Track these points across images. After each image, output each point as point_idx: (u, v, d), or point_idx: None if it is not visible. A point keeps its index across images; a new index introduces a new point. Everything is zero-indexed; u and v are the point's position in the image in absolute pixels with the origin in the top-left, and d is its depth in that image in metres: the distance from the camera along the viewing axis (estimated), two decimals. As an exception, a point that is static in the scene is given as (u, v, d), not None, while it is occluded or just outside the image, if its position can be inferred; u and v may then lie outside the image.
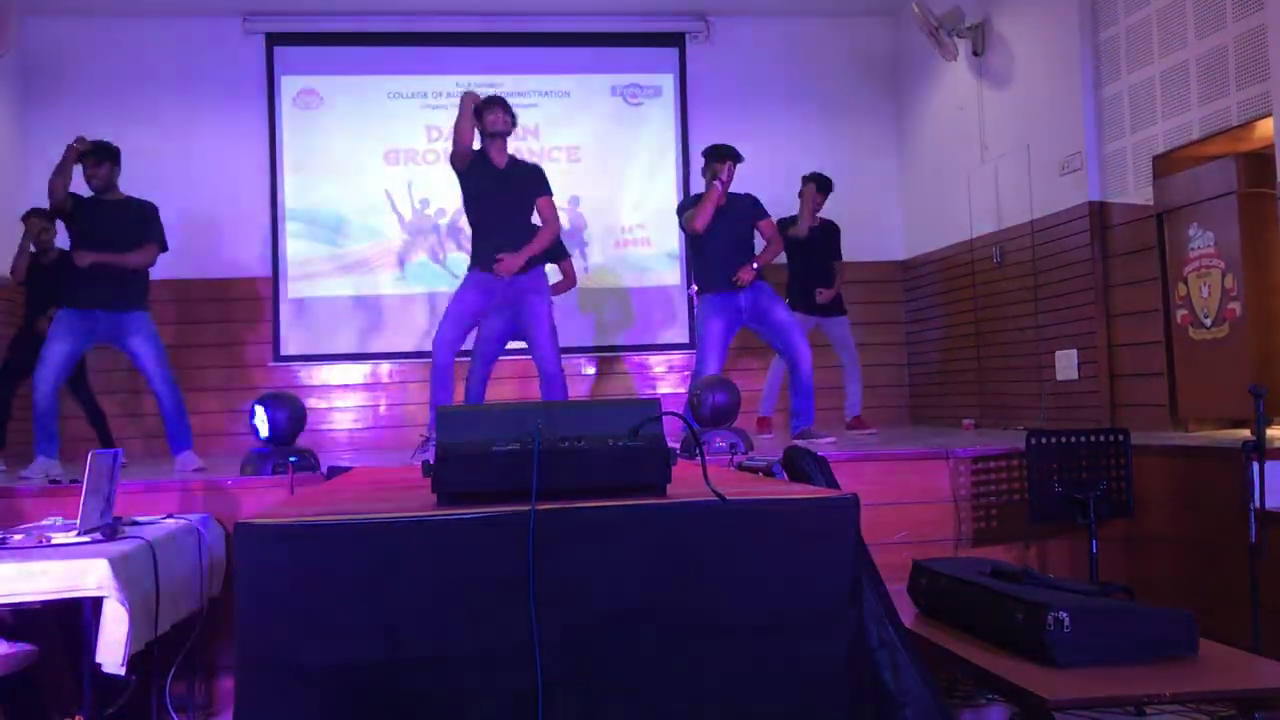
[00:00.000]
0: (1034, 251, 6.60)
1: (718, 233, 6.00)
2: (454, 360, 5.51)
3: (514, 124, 5.56)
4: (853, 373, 7.22)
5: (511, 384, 7.53)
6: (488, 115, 5.45)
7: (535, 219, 5.63)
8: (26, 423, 6.12)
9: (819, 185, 6.90)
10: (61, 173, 5.32)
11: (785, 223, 6.78)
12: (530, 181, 5.60)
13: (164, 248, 5.66)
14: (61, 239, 5.83)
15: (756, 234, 6.16)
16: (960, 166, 7.52)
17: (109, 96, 7.73)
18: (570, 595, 1.99)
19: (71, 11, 7.76)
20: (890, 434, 6.91)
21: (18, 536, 3.49)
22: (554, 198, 5.65)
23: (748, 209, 6.14)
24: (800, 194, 6.89)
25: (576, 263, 8.17)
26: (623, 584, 2.02)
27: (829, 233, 7.16)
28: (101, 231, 5.43)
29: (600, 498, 2.07)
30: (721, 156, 5.99)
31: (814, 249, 7.00)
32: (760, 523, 2.08)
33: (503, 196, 5.50)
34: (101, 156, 5.49)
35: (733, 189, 6.04)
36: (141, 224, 5.56)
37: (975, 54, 7.22)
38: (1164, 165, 5.49)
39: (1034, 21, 6.63)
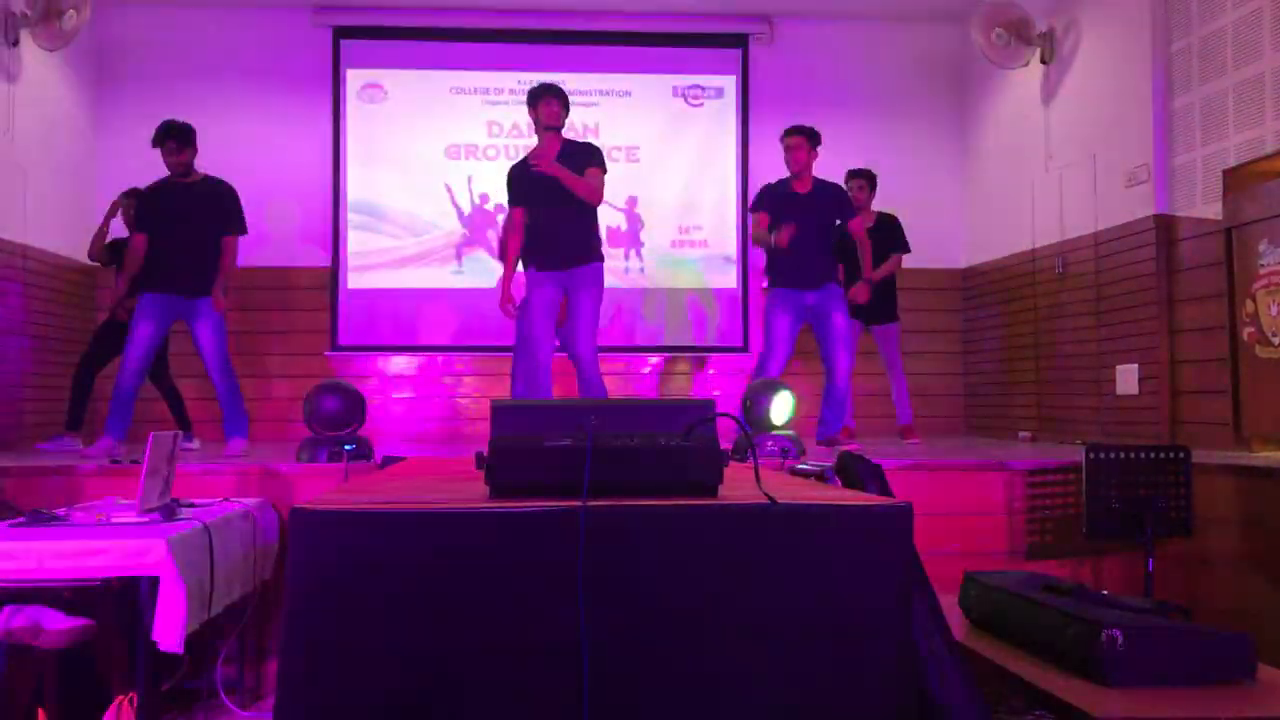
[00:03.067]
0: (1097, 264, 6.50)
1: (798, 226, 5.77)
2: (551, 358, 5.50)
3: (566, 115, 5.50)
4: (897, 386, 6.97)
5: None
6: (542, 107, 5.42)
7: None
8: (102, 403, 6.26)
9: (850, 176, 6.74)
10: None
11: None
12: (580, 160, 5.49)
13: (244, 231, 5.80)
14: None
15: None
16: (1024, 175, 7.43)
17: (177, 84, 7.87)
18: (618, 592, 1.99)
19: (144, 1, 7.90)
20: (945, 444, 6.85)
21: (79, 514, 3.56)
22: (604, 173, 5.56)
23: (831, 202, 5.94)
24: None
25: (633, 262, 8.21)
26: (671, 583, 2.01)
27: (881, 227, 6.85)
28: (180, 215, 5.58)
29: (652, 496, 2.06)
30: (788, 134, 5.91)
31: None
32: (812, 528, 2.07)
33: (555, 193, 5.40)
34: (182, 142, 5.60)
35: (820, 176, 5.92)
36: (220, 209, 5.69)
37: (1043, 61, 7.13)
38: (1235, 179, 5.38)
39: (1104, 30, 6.53)
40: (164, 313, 5.59)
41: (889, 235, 6.86)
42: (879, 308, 6.78)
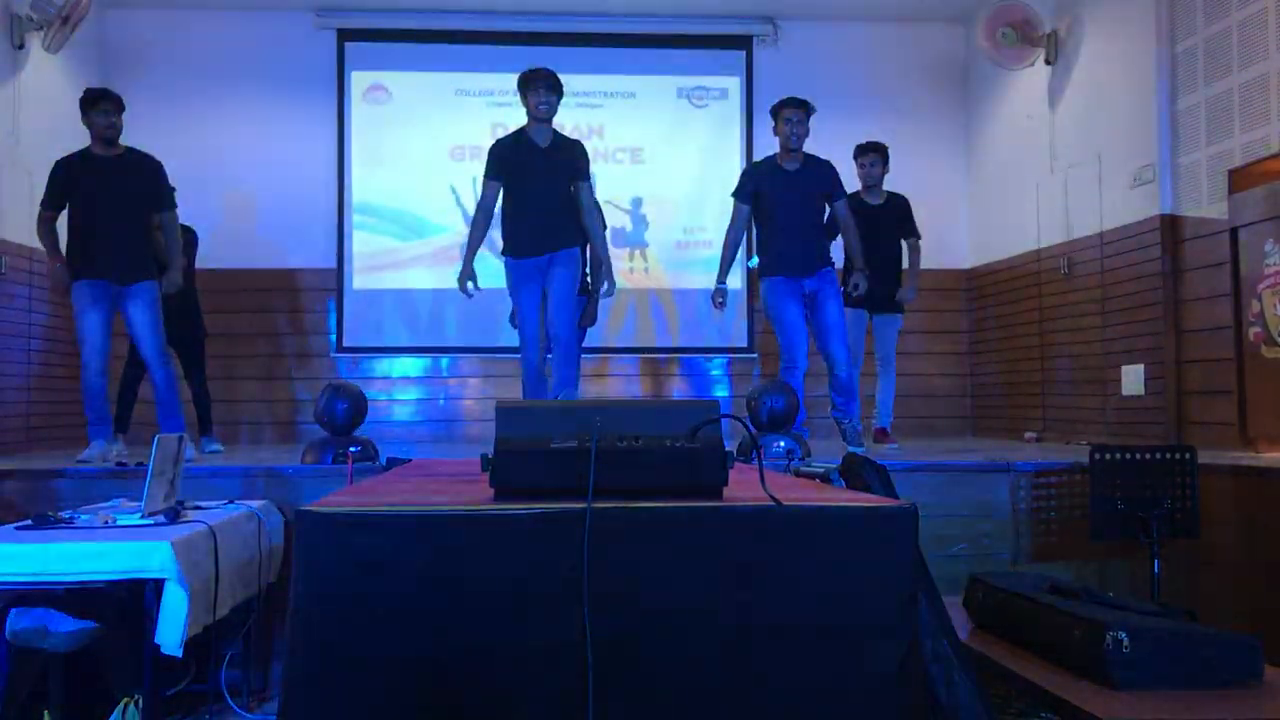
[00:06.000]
0: (1102, 264, 6.49)
1: (787, 206, 5.56)
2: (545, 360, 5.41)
3: (559, 101, 5.36)
4: (887, 383, 6.50)
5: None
6: (530, 97, 5.29)
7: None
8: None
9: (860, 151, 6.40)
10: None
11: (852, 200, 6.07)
12: (569, 161, 5.41)
13: (174, 206, 5.54)
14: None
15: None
16: (1029, 176, 7.42)
17: (183, 88, 7.88)
18: (623, 594, 1.99)
19: (150, 5, 7.93)
20: (951, 445, 6.83)
21: (84, 517, 3.57)
22: (592, 182, 5.48)
23: (823, 181, 5.63)
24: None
25: (637, 263, 8.22)
26: (675, 585, 2.01)
27: (892, 208, 6.42)
28: (114, 192, 5.27)
29: (657, 498, 2.06)
30: (775, 110, 5.64)
31: (878, 230, 6.20)
32: (816, 530, 2.06)
33: (543, 177, 5.34)
34: (119, 104, 5.32)
35: (812, 151, 5.66)
36: (153, 185, 5.41)
37: (1048, 62, 7.12)
38: (1240, 179, 5.37)
39: (1110, 31, 6.52)
40: (101, 299, 5.23)
41: (901, 217, 6.46)
42: (886, 296, 6.31)
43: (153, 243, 5.52)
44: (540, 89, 5.29)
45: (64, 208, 5.34)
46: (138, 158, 5.41)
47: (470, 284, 5.39)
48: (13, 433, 6.37)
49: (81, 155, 5.34)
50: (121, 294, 5.31)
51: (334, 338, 8.07)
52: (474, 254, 5.48)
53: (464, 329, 8.09)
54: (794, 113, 5.57)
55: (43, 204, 5.35)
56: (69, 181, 5.29)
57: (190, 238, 6.56)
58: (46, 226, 5.36)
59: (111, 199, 5.26)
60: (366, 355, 8.11)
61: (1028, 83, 7.43)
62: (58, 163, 5.36)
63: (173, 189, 5.61)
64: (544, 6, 8.10)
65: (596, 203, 5.61)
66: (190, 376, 6.57)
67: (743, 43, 8.43)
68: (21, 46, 6.59)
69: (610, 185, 8.11)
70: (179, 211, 5.59)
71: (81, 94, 5.38)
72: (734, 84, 8.42)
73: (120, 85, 7.72)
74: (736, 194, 5.75)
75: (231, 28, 8.04)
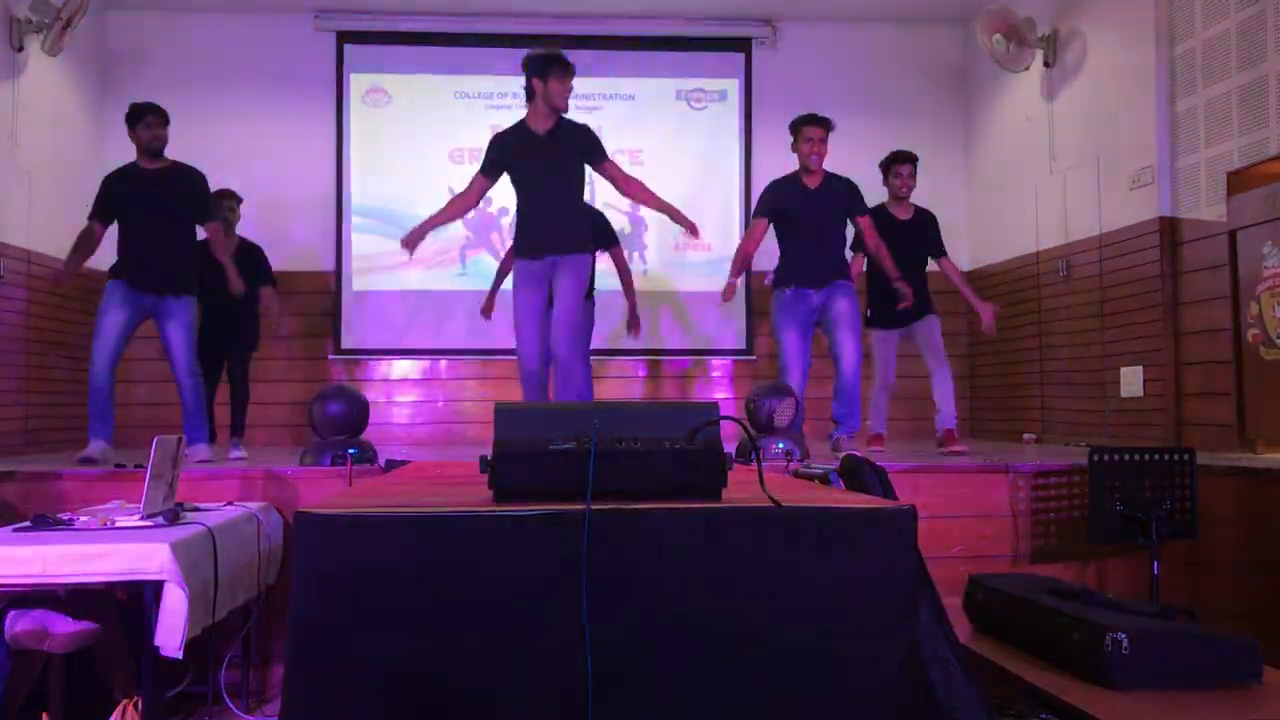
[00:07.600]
0: (1101, 266, 6.49)
1: (808, 225, 5.56)
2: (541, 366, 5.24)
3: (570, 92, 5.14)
4: (943, 381, 6.17)
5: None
6: (553, 83, 5.01)
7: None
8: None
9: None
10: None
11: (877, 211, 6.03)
12: (575, 147, 5.17)
13: (216, 218, 5.67)
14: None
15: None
16: (1028, 178, 7.43)
17: (182, 90, 7.82)
18: (621, 596, 1.99)
19: (149, 7, 7.93)
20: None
21: (83, 518, 3.57)
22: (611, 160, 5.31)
23: (842, 198, 5.63)
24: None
25: (635, 266, 8.20)
26: (674, 586, 2.01)
27: (921, 223, 6.30)
28: (158, 206, 5.35)
29: (656, 499, 2.06)
30: (795, 126, 5.61)
31: (906, 246, 6.06)
32: (815, 531, 2.06)
33: (546, 170, 5.13)
34: (164, 116, 5.45)
35: (830, 168, 5.64)
36: (196, 198, 5.49)
37: (1046, 64, 7.12)
38: (1239, 181, 5.37)
39: (1108, 33, 6.52)
40: (133, 305, 5.30)
41: (929, 235, 6.32)
42: (917, 303, 6.06)
43: (196, 256, 5.58)
44: (568, 74, 5.05)
45: (111, 221, 5.45)
46: (181, 171, 5.51)
47: (409, 249, 5.32)
48: (11, 435, 6.37)
49: (128, 169, 5.46)
50: (158, 309, 5.38)
51: (333, 340, 8.06)
52: (430, 224, 5.45)
53: (464, 330, 8.09)
54: (814, 130, 5.57)
55: (90, 215, 5.47)
56: (116, 196, 5.40)
57: (258, 252, 6.61)
58: (85, 237, 5.47)
59: (156, 212, 5.37)
60: (365, 357, 8.11)
61: (1026, 84, 7.43)
62: (106, 177, 5.50)
63: (214, 199, 5.71)
64: (543, 9, 8.11)
65: (625, 174, 5.39)
66: (233, 379, 6.56)
67: (742, 45, 8.43)
68: (21, 49, 6.59)
69: (609, 188, 8.10)
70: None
71: (128, 109, 5.48)
72: (733, 86, 8.42)
73: (119, 88, 7.80)
74: (758, 211, 5.75)
75: (231, 30, 8.05)
